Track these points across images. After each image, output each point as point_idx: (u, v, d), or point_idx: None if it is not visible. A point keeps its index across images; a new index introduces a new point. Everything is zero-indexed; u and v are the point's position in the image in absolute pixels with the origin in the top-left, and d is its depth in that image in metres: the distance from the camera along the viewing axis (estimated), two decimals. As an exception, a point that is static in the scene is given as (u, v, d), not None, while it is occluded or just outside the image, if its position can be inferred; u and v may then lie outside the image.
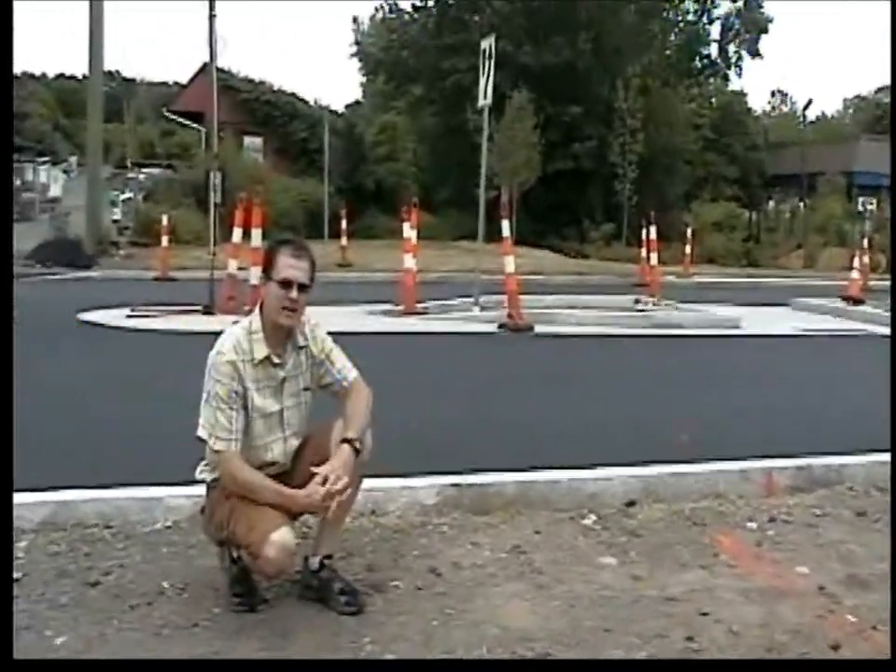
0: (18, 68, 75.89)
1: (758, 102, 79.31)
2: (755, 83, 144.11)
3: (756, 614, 3.50)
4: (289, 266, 3.40)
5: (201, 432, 3.41)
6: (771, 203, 45.22)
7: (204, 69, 26.73)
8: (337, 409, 3.58)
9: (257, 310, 3.51)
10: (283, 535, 3.21)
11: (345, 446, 3.37)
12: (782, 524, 4.59)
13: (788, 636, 3.32)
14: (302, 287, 3.41)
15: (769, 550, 4.23)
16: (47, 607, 3.40)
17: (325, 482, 3.28)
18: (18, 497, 4.22)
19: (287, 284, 3.38)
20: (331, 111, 36.01)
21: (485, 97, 13.10)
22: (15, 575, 3.63)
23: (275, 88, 37.13)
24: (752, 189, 43.37)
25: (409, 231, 13.43)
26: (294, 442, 3.58)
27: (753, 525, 4.56)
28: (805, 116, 46.01)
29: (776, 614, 3.51)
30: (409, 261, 13.21)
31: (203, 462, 3.55)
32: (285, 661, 3.04)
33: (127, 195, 29.71)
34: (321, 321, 3.66)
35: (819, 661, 2.80)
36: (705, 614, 3.49)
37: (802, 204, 39.26)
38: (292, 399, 3.54)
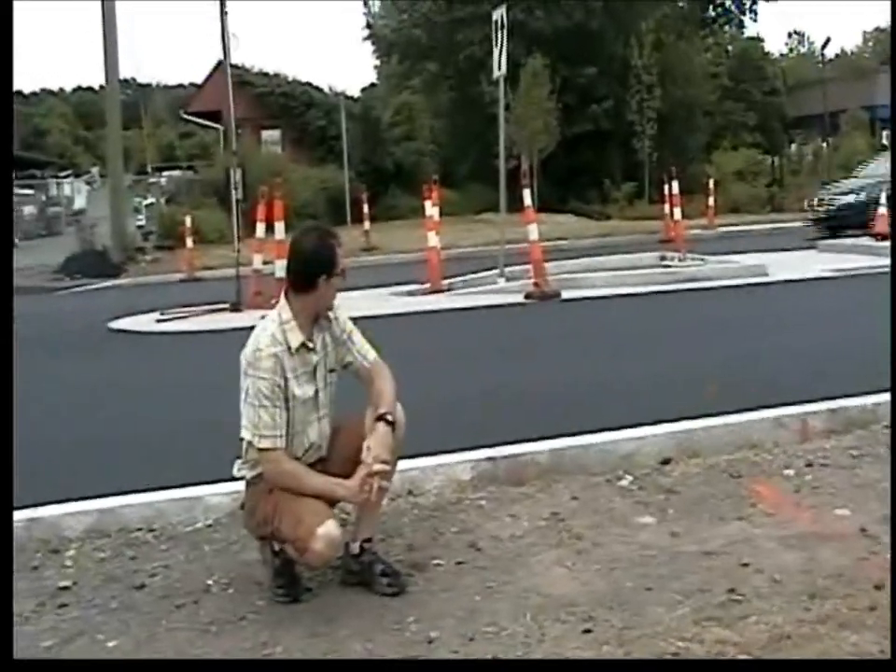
0: (35, 85, 76.60)
1: (775, 45, 78.08)
2: (771, 27, 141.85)
3: (797, 561, 3.50)
4: (342, 256, 3.55)
5: (244, 433, 3.46)
6: (793, 147, 44.57)
7: (219, 68, 26.74)
8: (359, 389, 3.62)
9: (282, 300, 3.55)
10: (329, 528, 3.26)
11: (380, 424, 3.41)
12: (819, 468, 4.56)
13: (830, 580, 3.32)
14: None
15: (807, 495, 4.22)
16: (97, 612, 3.46)
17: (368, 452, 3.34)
18: (61, 508, 4.34)
19: (343, 272, 3.54)
20: (347, 96, 35.97)
21: (500, 68, 13.05)
22: (65, 583, 3.72)
23: (290, 79, 36.92)
24: (773, 133, 42.79)
25: (431, 209, 13.47)
26: (327, 423, 3.63)
27: (790, 471, 4.54)
28: (823, 55, 45.20)
29: (817, 559, 3.50)
30: (432, 239, 13.24)
31: (241, 460, 3.59)
32: (283, 661, 3.06)
33: (150, 200, 29.95)
34: (349, 307, 3.71)
35: (819, 661, 2.78)
36: (745, 565, 3.49)
37: (825, 144, 38.66)
38: (323, 381, 3.60)
